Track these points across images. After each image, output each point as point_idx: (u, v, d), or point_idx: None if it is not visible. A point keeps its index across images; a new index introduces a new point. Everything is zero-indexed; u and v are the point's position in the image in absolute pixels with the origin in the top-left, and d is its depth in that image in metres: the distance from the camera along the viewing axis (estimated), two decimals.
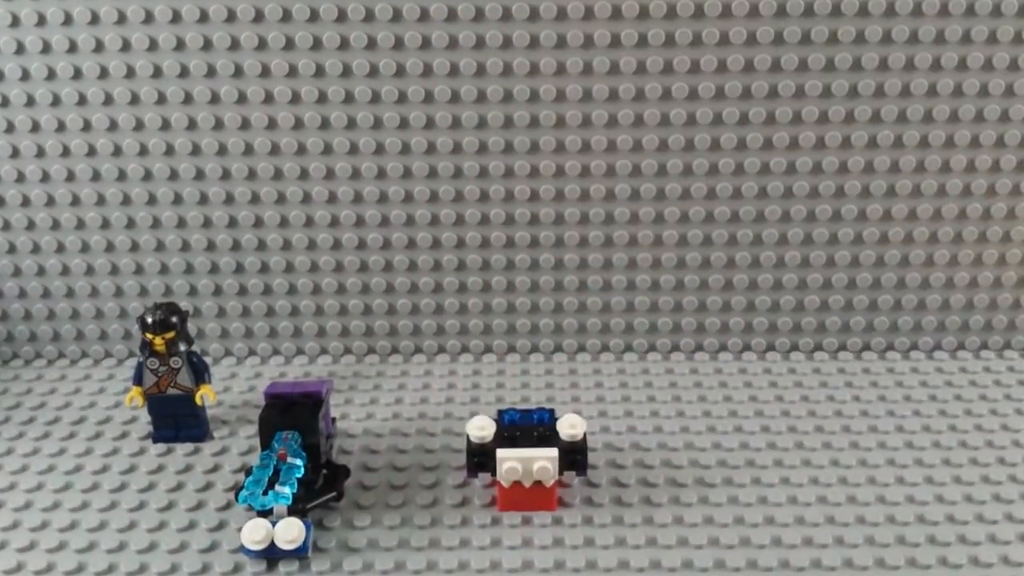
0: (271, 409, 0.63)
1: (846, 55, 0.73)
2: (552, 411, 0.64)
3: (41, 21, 0.72)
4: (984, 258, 0.79)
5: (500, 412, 0.64)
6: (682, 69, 0.73)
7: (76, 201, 0.77)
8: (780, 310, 0.80)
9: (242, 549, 0.58)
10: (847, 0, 0.72)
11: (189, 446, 0.69)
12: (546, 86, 0.74)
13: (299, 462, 0.60)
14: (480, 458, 0.61)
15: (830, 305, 0.80)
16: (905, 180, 0.77)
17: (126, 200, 0.77)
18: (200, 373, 0.69)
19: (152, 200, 0.77)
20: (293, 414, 0.63)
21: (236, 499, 0.61)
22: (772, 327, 0.81)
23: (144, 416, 0.71)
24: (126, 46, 0.73)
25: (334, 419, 0.70)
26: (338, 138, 0.75)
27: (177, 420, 0.70)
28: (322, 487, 0.62)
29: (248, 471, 0.63)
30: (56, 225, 0.78)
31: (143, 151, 0.76)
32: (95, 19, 0.72)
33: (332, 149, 0.76)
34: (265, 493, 0.58)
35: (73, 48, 0.73)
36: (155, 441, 0.70)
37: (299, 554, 0.57)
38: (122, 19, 0.72)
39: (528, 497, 0.61)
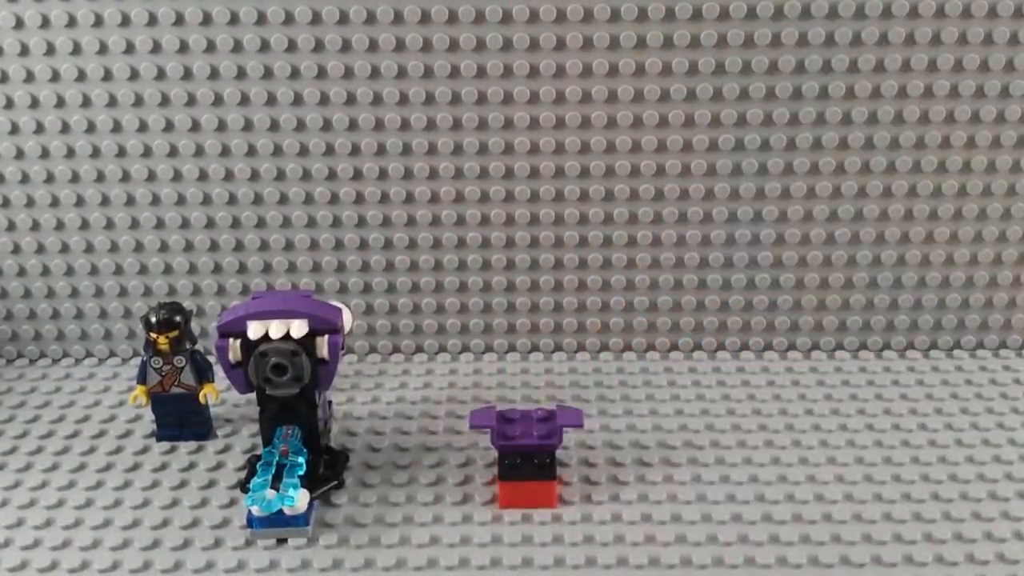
0: (271, 406, 0.64)
1: (843, 57, 0.74)
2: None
3: (45, 23, 0.73)
4: (980, 257, 0.79)
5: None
6: (680, 71, 0.74)
7: (80, 202, 0.78)
8: (777, 309, 0.81)
9: (247, 516, 0.59)
10: (844, 3, 0.72)
11: (192, 444, 0.70)
12: (546, 88, 0.75)
13: (301, 460, 0.61)
14: None
15: (827, 305, 0.81)
16: (901, 180, 0.77)
17: (130, 201, 0.78)
18: (203, 372, 0.70)
19: (156, 201, 0.78)
20: (293, 410, 0.64)
21: (242, 493, 0.62)
22: (770, 326, 0.81)
23: (148, 415, 0.72)
24: (130, 48, 0.74)
25: (330, 402, 0.71)
26: (340, 139, 0.76)
27: (181, 418, 0.70)
28: (324, 474, 0.64)
29: (251, 464, 0.64)
30: (60, 225, 0.79)
31: (147, 152, 0.76)
32: (99, 22, 0.73)
33: (335, 150, 0.76)
34: (273, 487, 0.59)
35: (77, 50, 0.74)
36: (159, 439, 0.70)
37: (300, 524, 0.59)
38: (126, 21, 0.73)
39: (528, 494, 0.62)
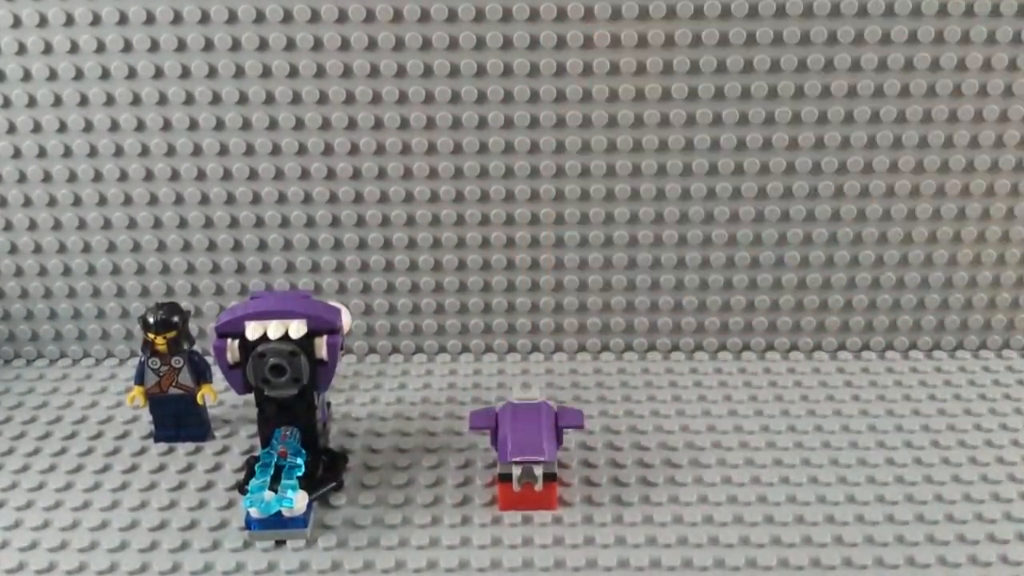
0: (269, 407, 0.64)
1: (845, 56, 0.73)
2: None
3: (43, 22, 0.73)
4: (983, 258, 0.79)
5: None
6: (682, 70, 0.74)
7: (78, 201, 0.78)
8: (779, 310, 0.81)
9: (246, 518, 0.59)
10: (846, 1, 0.72)
11: (190, 445, 0.70)
12: (546, 87, 0.74)
13: (300, 461, 0.61)
14: None
15: (829, 305, 0.80)
16: (904, 180, 0.77)
17: (127, 200, 0.78)
18: (201, 373, 0.69)
19: (154, 200, 0.78)
20: (291, 411, 0.63)
21: (241, 494, 0.62)
22: (771, 327, 0.81)
23: (146, 416, 0.71)
24: (127, 47, 0.73)
25: (329, 403, 0.71)
26: (339, 138, 0.76)
27: (178, 419, 0.70)
28: (323, 476, 0.63)
29: (250, 465, 0.64)
30: (58, 225, 0.78)
31: (145, 151, 0.76)
32: (96, 20, 0.73)
33: (333, 149, 0.76)
34: (272, 488, 0.59)
35: (75, 49, 0.73)
36: (157, 440, 0.70)
37: (298, 526, 0.59)
38: (123, 20, 0.73)
39: (529, 496, 0.61)
